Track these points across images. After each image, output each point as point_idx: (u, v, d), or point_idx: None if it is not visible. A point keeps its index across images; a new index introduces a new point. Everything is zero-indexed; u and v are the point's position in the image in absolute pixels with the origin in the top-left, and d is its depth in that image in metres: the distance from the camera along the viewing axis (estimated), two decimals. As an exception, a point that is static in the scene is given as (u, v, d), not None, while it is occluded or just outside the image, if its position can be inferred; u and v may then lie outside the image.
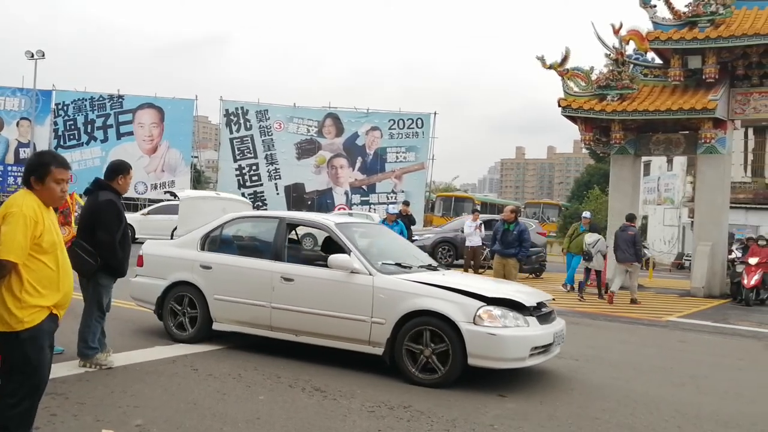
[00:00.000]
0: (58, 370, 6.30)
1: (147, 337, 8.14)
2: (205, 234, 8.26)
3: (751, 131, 32.92)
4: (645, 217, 34.08)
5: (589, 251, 16.15)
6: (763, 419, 6.30)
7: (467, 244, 18.60)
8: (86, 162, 38.18)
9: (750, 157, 33.67)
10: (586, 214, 18.77)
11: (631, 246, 15.12)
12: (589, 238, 16.36)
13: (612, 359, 8.67)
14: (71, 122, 39.30)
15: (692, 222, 25.50)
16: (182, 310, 7.99)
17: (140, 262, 8.47)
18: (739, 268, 17.14)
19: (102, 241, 6.43)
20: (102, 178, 6.88)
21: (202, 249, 8.17)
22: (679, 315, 13.69)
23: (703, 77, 17.28)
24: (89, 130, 39.28)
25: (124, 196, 7.04)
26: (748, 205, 30.01)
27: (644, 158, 25.70)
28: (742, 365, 9.01)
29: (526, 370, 7.69)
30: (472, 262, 19.00)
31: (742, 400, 6.97)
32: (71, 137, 39.01)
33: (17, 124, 39.39)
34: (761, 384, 7.84)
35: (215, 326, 7.86)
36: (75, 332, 7.59)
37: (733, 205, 20.64)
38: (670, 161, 35.57)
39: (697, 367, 8.49)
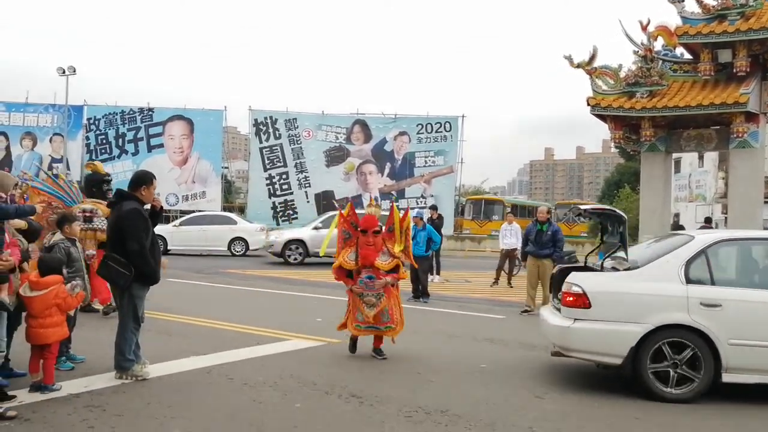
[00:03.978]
0: (95, 382, 6.37)
1: (181, 347, 8.16)
2: (685, 262, 6.70)
3: (785, 124, 32.34)
4: (677, 215, 33.59)
5: None
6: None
7: (501, 246, 18.46)
8: (117, 175, 38.49)
9: (785, 150, 33.05)
10: (619, 213, 18.55)
11: None
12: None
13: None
14: (103, 136, 39.81)
15: (725, 218, 25.09)
16: (674, 360, 6.45)
17: (584, 303, 6.67)
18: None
19: (133, 250, 6.43)
20: (125, 189, 6.93)
21: (688, 281, 6.62)
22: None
23: (734, 71, 16.99)
24: (120, 144, 39.76)
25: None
26: (782, 200, 29.42)
27: (675, 155, 25.34)
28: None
29: (562, 371, 7.60)
30: (506, 266, 18.84)
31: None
32: (103, 151, 39.50)
33: (50, 140, 40.02)
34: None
35: (727, 377, 6.42)
36: (96, 342, 7.68)
37: (766, 199, 20.23)
38: (701, 157, 35.07)
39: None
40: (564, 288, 6.89)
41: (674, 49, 18.46)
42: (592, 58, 18.39)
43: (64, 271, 6.53)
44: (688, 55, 18.52)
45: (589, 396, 6.53)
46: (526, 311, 12.54)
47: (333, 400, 6.05)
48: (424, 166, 39.82)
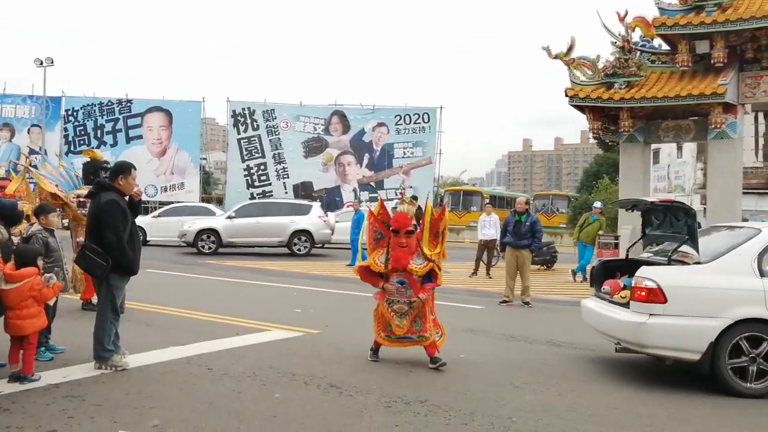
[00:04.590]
0: (74, 372, 6.33)
1: (160, 337, 8.12)
2: (757, 255, 6.67)
3: (761, 115, 32.66)
4: (613, 204, 33.87)
5: None
6: None
7: (480, 237, 18.51)
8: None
9: (761, 141, 33.44)
10: (597, 204, 18.76)
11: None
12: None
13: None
14: (81, 127, 39.43)
15: (704, 209, 25.34)
16: (752, 355, 6.43)
17: (659, 298, 6.57)
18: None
19: (110, 241, 6.41)
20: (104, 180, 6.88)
21: (762, 274, 6.59)
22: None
23: (712, 62, 17.13)
24: (99, 135, 39.39)
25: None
26: (760, 191, 29.78)
27: (653, 146, 25.53)
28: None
29: (541, 362, 7.65)
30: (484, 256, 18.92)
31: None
32: (81, 142, 39.09)
33: (28, 131, 39.60)
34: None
35: None
36: (75, 333, 7.63)
37: (745, 190, 20.46)
38: (679, 148, 35.35)
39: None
40: (635, 282, 6.77)
41: (652, 40, 18.57)
42: (570, 48, 18.46)
43: (41, 262, 6.46)
44: (665, 46, 18.66)
45: (569, 387, 6.59)
46: (504, 302, 12.61)
47: (312, 390, 6.05)
48: (403, 157, 39.84)
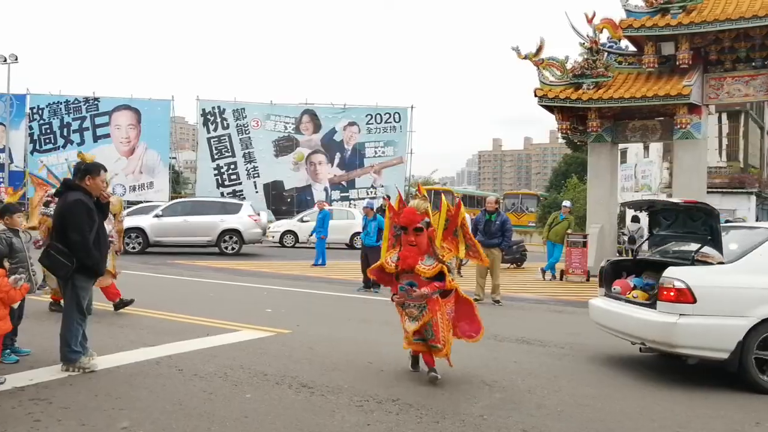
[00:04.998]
0: (41, 375, 6.24)
1: (129, 338, 8.04)
2: None
3: (725, 116, 33.29)
4: (623, 205, 34.32)
5: (633, 236, 20.90)
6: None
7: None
8: (62, 166, 37.73)
9: (725, 141, 34.04)
10: (566, 203, 18.95)
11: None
12: (633, 225, 21.60)
13: (597, 346, 8.72)
14: (47, 126, 38.86)
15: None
16: None
17: (687, 298, 6.64)
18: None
19: (74, 241, 6.34)
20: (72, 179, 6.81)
21: None
22: (661, 300, 13.78)
23: (677, 63, 17.41)
24: (65, 134, 38.88)
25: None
26: (723, 190, 30.34)
27: (621, 146, 25.88)
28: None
29: (511, 360, 7.72)
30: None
31: (727, 381, 7.05)
32: (47, 141, 38.58)
33: (-9, 129, 38.94)
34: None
35: None
36: (41, 334, 7.52)
37: (709, 189, 20.84)
38: (646, 148, 35.86)
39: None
40: (663, 283, 6.82)
41: (619, 41, 18.84)
42: (539, 49, 18.64)
43: (6, 263, 6.36)
44: (632, 48, 18.93)
45: (539, 384, 6.65)
46: (475, 300, 12.65)
47: (284, 390, 6.04)
48: (374, 156, 39.89)
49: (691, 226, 7.71)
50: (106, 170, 6.86)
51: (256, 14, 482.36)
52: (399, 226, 6.66)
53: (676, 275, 6.77)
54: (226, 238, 21.91)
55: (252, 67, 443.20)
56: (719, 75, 17.66)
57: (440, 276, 6.48)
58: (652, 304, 7.04)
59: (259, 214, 23.70)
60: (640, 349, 7.47)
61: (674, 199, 8.67)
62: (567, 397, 6.18)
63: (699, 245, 7.30)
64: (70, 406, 5.36)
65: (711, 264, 7.10)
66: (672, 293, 6.70)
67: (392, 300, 6.69)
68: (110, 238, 9.80)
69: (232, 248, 21.86)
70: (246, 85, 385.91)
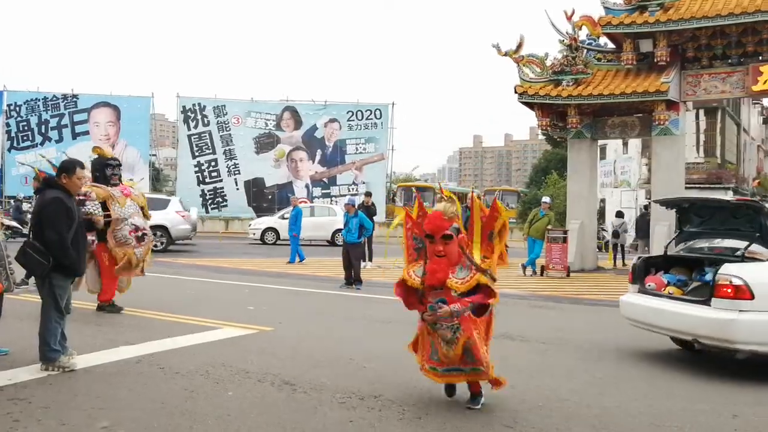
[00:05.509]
0: (19, 374, 6.19)
1: (109, 337, 7.99)
2: None
3: (702, 112, 33.59)
4: (603, 200, 34.55)
5: (616, 230, 21.51)
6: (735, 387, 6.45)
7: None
8: (41, 163, 37.31)
9: (702, 137, 34.35)
10: (546, 199, 19.04)
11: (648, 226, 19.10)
12: (617, 220, 21.99)
13: (578, 341, 8.78)
14: (24, 123, 38.37)
15: (649, 203, 25.98)
16: None
17: (745, 295, 6.70)
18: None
19: (51, 240, 6.29)
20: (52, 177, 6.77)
21: None
22: (640, 295, 13.89)
23: (655, 60, 17.56)
24: (43, 131, 38.40)
25: None
26: (701, 185, 30.61)
27: (600, 142, 26.06)
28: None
29: (494, 355, 7.75)
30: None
31: (706, 376, 7.13)
32: (25, 138, 38.12)
33: (-33, 127, 38.40)
34: (723, 357, 7.99)
35: None
36: (19, 334, 7.45)
37: (687, 185, 21.04)
38: (625, 144, 36.10)
39: (662, 345, 8.60)
40: (719, 280, 6.86)
41: (598, 38, 18.97)
42: (519, 46, 18.73)
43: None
44: (611, 45, 19.06)
45: (521, 380, 6.67)
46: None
47: (266, 387, 6.03)
48: (355, 153, 39.81)
49: (733, 223, 7.80)
50: (83, 167, 6.77)
51: (236, 11, 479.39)
52: (422, 236, 5.64)
53: (733, 272, 6.83)
54: (153, 234, 21.68)
55: (232, 64, 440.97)
56: (696, 72, 17.84)
57: (475, 290, 5.42)
58: (705, 301, 7.06)
59: (188, 210, 23.48)
60: (694, 347, 7.58)
61: (726, 197, 8.73)
62: (549, 392, 6.22)
63: (748, 242, 7.37)
64: (50, 406, 5.33)
65: (761, 261, 7.17)
66: (730, 290, 6.73)
67: (422, 320, 5.62)
68: (144, 232, 9.84)
69: (160, 244, 21.10)
70: (226, 82, 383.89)
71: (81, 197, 9.78)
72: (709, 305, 6.96)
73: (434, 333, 5.54)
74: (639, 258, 8.47)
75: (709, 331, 6.97)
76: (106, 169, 10.25)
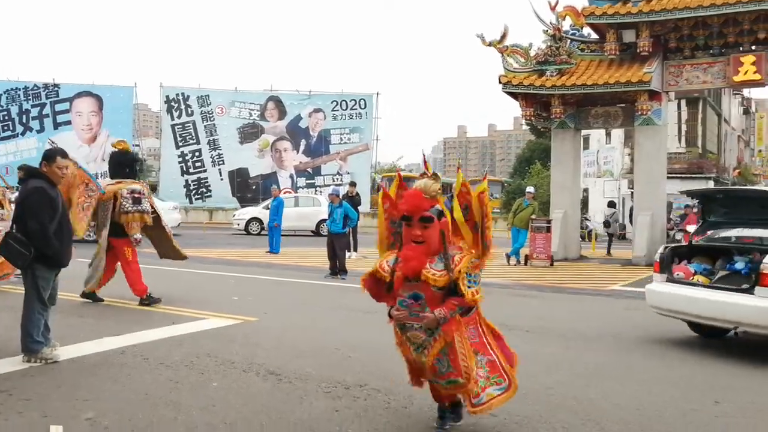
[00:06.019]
0: (1, 366, 6.15)
1: (93, 328, 7.96)
2: None
3: (684, 103, 33.83)
4: (586, 190, 34.75)
5: (608, 220, 22.69)
6: (710, 377, 6.52)
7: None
8: (22, 153, 36.94)
9: (684, 128, 34.59)
10: (530, 189, 19.12)
11: None
12: (608, 210, 23.33)
13: (561, 330, 8.84)
14: (5, 113, 37.96)
15: (632, 193, 26.18)
16: None
17: None
18: (678, 236, 17.65)
19: (32, 230, 6.23)
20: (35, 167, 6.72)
21: None
22: (623, 284, 14.03)
23: (638, 51, 17.64)
24: (24, 121, 38.01)
25: None
26: (683, 175, 30.87)
27: (584, 132, 26.19)
28: (686, 329, 9.28)
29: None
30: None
31: (688, 364, 7.20)
32: (5, 128, 37.71)
33: (-54, 117, 37.95)
34: (704, 345, 8.09)
35: None
36: (1, 325, 7.39)
37: (669, 174, 21.18)
38: (608, 134, 36.27)
39: (644, 333, 8.69)
40: (764, 269, 7.00)
41: (581, 29, 19.02)
42: (503, 36, 18.74)
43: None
44: (595, 35, 19.12)
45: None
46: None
47: (251, 378, 6.04)
48: (340, 143, 39.73)
49: (761, 213, 7.92)
50: (64, 156, 6.65)
51: (219, 0, 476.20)
52: (399, 219, 4.54)
53: None
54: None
55: (216, 53, 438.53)
56: (678, 62, 17.94)
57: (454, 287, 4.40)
58: (749, 290, 7.18)
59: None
60: (736, 334, 7.84)
61: (763, 187, 8.85)
62: (533, 382, 6.25)
63: None
64: (32, 398, 5.30)
65: None
66: None
67: (389, 317, 4.59)
68: (136, 196, 9.79)
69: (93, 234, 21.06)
70: (210, 71, 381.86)
71: (137, 195, 9.72)
72: (753, 293, 7.11)
73: (402, 336, 4.55)
74: (665, 247, 8.53)
75: (755, 318, 7.13)
76: (135, 165, 10.28)
